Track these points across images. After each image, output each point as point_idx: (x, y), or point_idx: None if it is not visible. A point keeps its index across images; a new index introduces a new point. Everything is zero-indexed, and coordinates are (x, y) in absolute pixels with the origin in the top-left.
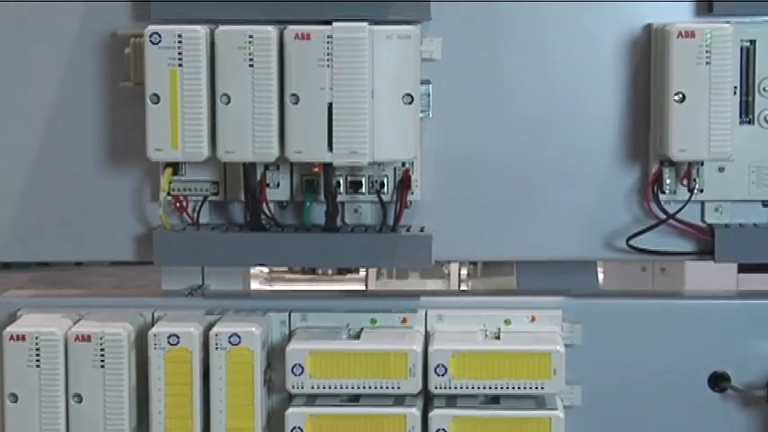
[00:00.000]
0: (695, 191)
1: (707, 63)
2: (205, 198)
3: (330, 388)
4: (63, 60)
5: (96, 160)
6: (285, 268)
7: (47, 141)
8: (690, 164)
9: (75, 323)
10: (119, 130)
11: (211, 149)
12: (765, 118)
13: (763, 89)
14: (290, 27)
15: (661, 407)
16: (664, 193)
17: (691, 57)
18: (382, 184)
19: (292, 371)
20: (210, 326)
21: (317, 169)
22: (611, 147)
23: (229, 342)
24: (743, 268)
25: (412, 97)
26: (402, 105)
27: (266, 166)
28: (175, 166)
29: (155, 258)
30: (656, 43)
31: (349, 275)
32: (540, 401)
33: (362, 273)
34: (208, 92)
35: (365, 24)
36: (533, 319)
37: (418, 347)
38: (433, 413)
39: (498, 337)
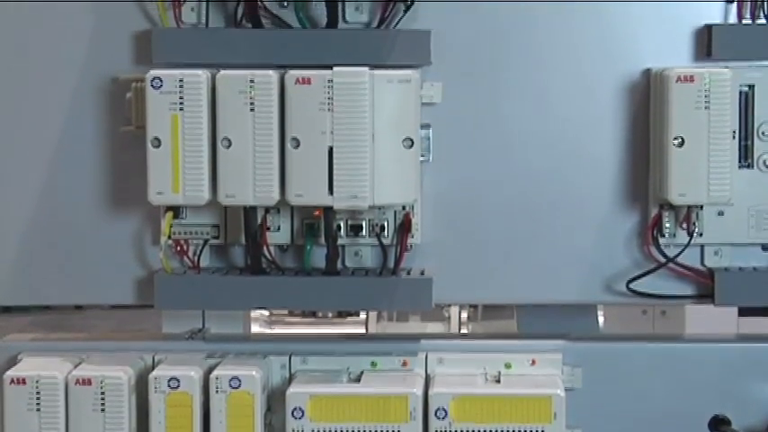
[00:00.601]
0: (695, 234)
1: (706, 107)
2: (206, 241)
3: (330, 431)
4: (64, 104)
5: (97, 204)
6: (285, 311)
7: (48, 185)
8: (689, 208)
9: (75, 367)
10: (120, 173)
11: (212, 193)
12: (764, 162)
13: (762, 133)
14: (291, 71)
15: None
16: (663, 236)
17: (690, 101)
18: (383, 228)
19: (293, 414)
20: (211, 369)
21: (317, 212)
22: (610, 190)
23: (230, 385)
24: (743, 312)
25: (412, 141)
26: (402, 149)
27: (267, 210)
28: (176, 210)
29: (155, 302)
30: (656, 87)
31: (349, 318)
32: None
33: (363, 315)
34: (209, 136)
35: (365, 69)
36: (534, 362)
37: (419, 391)
38: None
39: (499, 381)
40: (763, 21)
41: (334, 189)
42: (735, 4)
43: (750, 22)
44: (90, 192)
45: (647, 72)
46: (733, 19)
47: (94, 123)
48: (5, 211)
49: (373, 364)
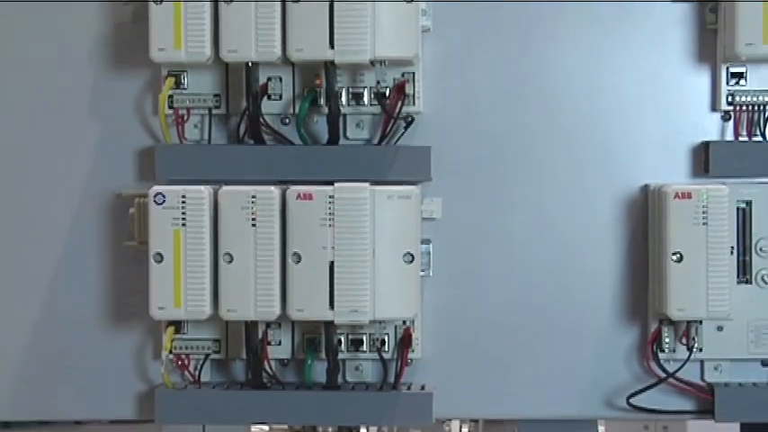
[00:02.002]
0: (694, 349)
1: (704, 223)
2: (207, 356)
3: None
4: (67, 219)
5: (99, 318)
6: (286, 426)
7: (50, 298)
8: (688, 323)
9: None
10: (122, 288)
11: (213, 308)
12: (762, 277)
13: (760, 249)
14: (293, 187)
15: None
16: (663, 351)
17: (688, 217)
18: (383, 342)
19: None
20: None
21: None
22: (610, 305)
23: None
24: (745, 427)
25: (413, 256)
26: (403, 264)
27: (268, 325)
28: (177, 325)
29: (156, 417)
30: (654, 203)
31: None
32: None
33: (363, 431)
34: (211, 251)
35: (366, 185)
36: None
37: None
38: None
39: None
40: (759, 138)
41: (335, 304)
42: (731, 121)
43: (746, 139)
44: (91, 306)
45: (646, 188)
46: (730, 136)
47: (97, 238)
48: (6, 324)
49: None
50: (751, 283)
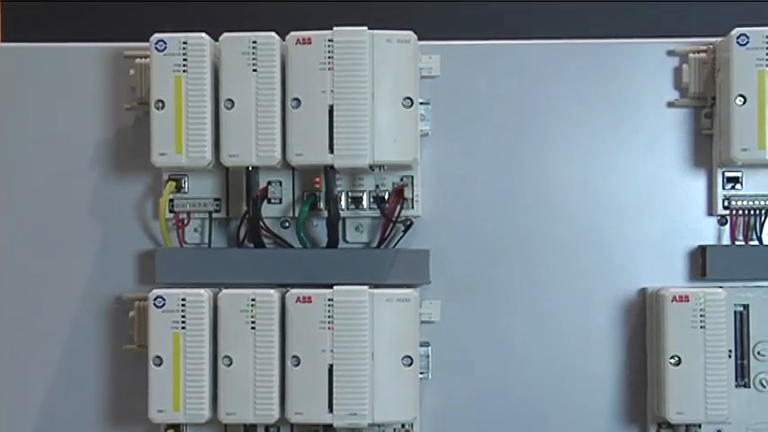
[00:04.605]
0: None
1: (701, 327)
2: None
3: None
4: (68, 322)
5: (98, 421)
6: None
7: (48, 402)
8: (687, 426)
9: None
10: (121, 391)
11: (213, 411)
12: (761, 381)
13: (758, 353)
14: (292, 291)
15: None
16: None
17: (685, 320)
18: None
19: None
20: None
21: None
22: (608, 408)
23: None
24: None
25: (411, 359)
26: (402, 367)
27: (267, 428)
28: (177, 428)
29: None
30: (652, 307)
31: None
32: None
33: None
34: (210, 354)
35: (365, 288)
36: None
37: None
38: None
39: None
40: (755, 242)
41: (334, 407)
42: (728, 225)
43: (743, 243)
44: (90, 409)
45: (643, 292)
46: (726, 240)
47: (97, 341)
48: (4, 428)
49: None
50: (749, 386)
